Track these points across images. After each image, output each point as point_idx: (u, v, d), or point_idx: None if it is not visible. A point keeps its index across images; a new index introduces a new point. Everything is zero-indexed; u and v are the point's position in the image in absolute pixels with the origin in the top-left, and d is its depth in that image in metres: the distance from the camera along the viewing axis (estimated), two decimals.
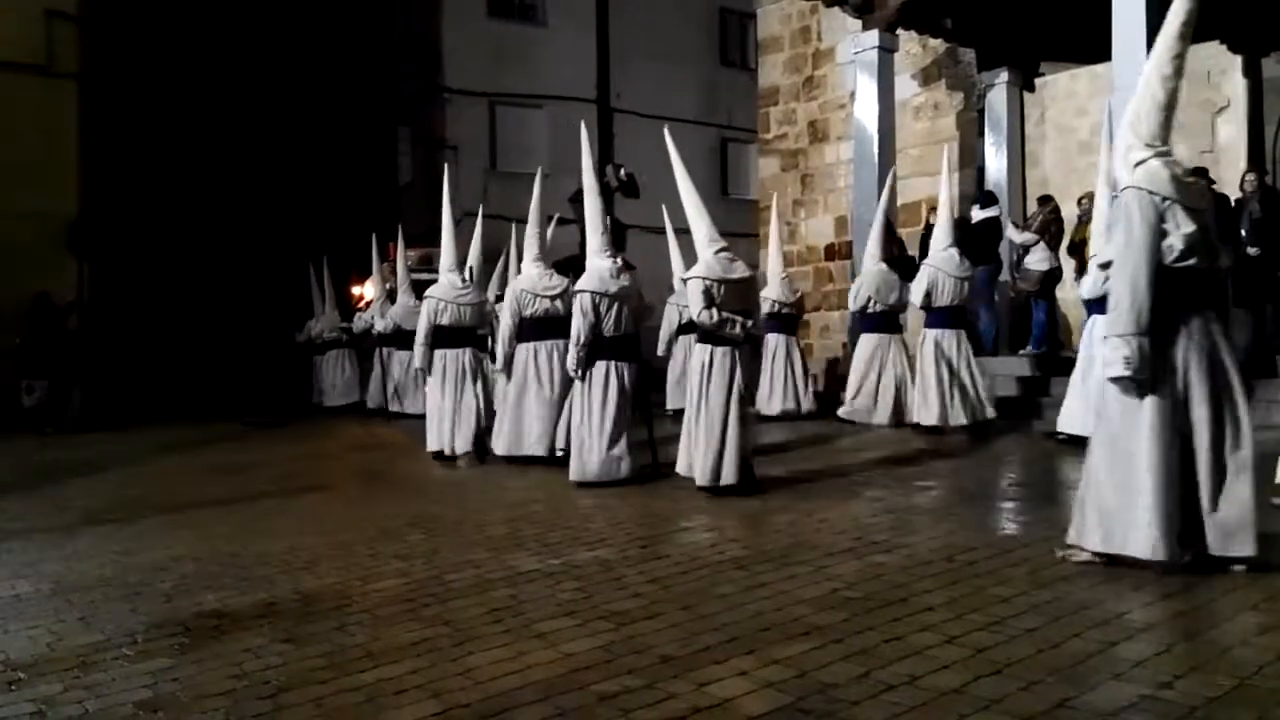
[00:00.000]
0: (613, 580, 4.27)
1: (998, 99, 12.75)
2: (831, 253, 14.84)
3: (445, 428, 8.46)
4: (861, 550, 4.63)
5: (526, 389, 7.76)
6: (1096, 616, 3.53)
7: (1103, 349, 4.11)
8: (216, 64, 19.82)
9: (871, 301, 9.88)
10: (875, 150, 11.64)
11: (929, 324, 8.97)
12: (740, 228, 17.21)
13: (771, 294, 10.82)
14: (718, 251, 6.23)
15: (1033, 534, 4.90)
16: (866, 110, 11.80)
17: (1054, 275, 10.65)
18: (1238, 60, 11.53)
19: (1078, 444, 6.62)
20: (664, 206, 9.90)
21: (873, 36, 11.63)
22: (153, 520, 6.33)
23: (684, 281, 7.27)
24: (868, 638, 3.41)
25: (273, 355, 17.46)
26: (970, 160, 13.18)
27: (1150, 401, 3.90)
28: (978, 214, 11.32)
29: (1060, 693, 2.86)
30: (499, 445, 7.95)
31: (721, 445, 6.06)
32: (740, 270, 6.27)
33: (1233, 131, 11.69)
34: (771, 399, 10.67)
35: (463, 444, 8.42)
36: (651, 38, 20.35)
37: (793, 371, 10.79)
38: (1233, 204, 9.78)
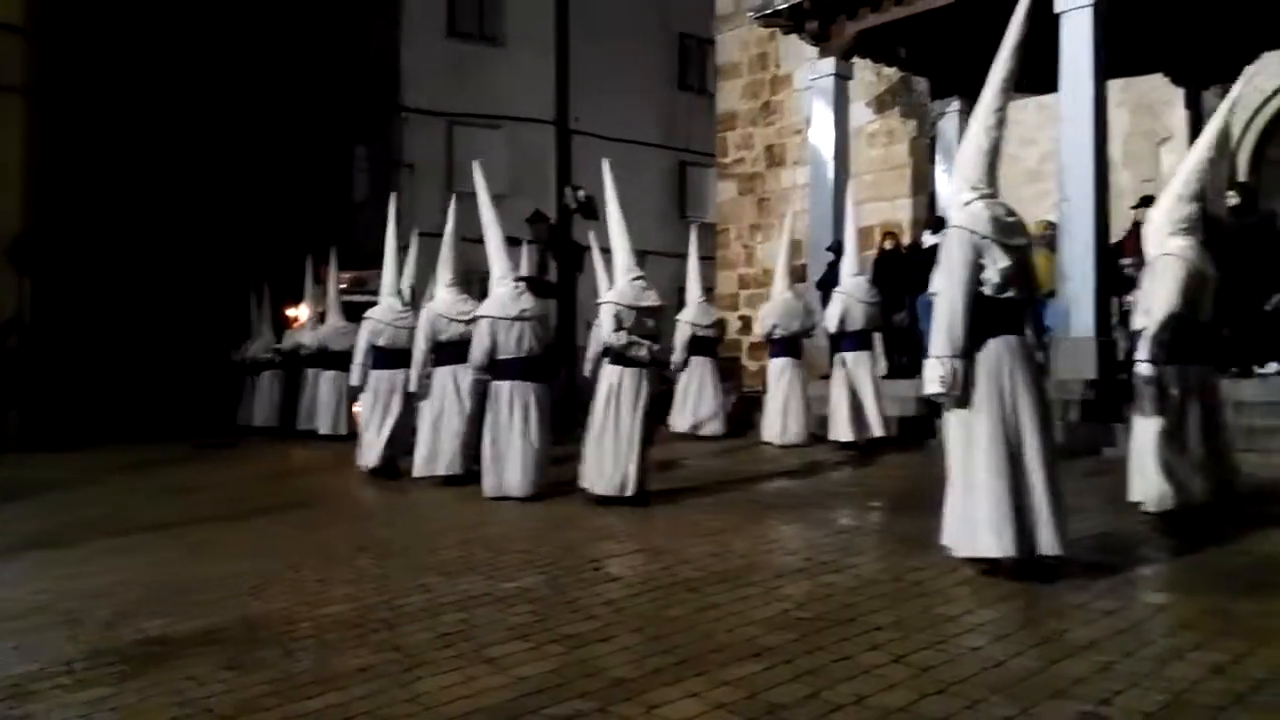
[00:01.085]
0: (566, 603, 4.26)
1: (949, 127, 12.96)
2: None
3: (377, 446, 8.65)
4: (812, 570, 4.66)
5: (444, 411, 7.97)
6: (1038, 634, 3.60)
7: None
8: (168, 80, 19.55)
9: (775, 328, 10.26)
10: (830, 175, 11.80)
11: (842, 348, 9.33)
12: (699, 250, 17.34)
13: (688, 317, 11.10)
14: (634, 279, 6.74)
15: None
16: (822, 136, 11.95)
17: None
18: (1180, 93, 11.87)
19: None
20: (591, 233, 10.08)
21: (829, 64, 11.80)
22: (94, 545, 6.21)
23: (598, 305, 7.63)
24: (817, 658, 3.44)
25: (213, 375, 17.23)
26: (923, 187, 13.39)
27: (984, 417, 4.31)
28: (929, 239, 11.48)
29: (1002, 711, 2.91)
30: (416, 467, 8.13)
31: (628, 460, 6.47)
32: (652, 298, 6.73)
33: (1175, 161, 11.99)
34: (684, 417, 10.88)
35: (373, 459, 8.61)
36: (611, 61, 20.49)
37: (707, 393, 10.92)
38: None
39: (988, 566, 4.35)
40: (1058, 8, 9.32)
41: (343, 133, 21.30)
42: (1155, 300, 5.29)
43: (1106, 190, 9.48)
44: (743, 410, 10.88)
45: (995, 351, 4.34)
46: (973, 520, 4.30)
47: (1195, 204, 5.43)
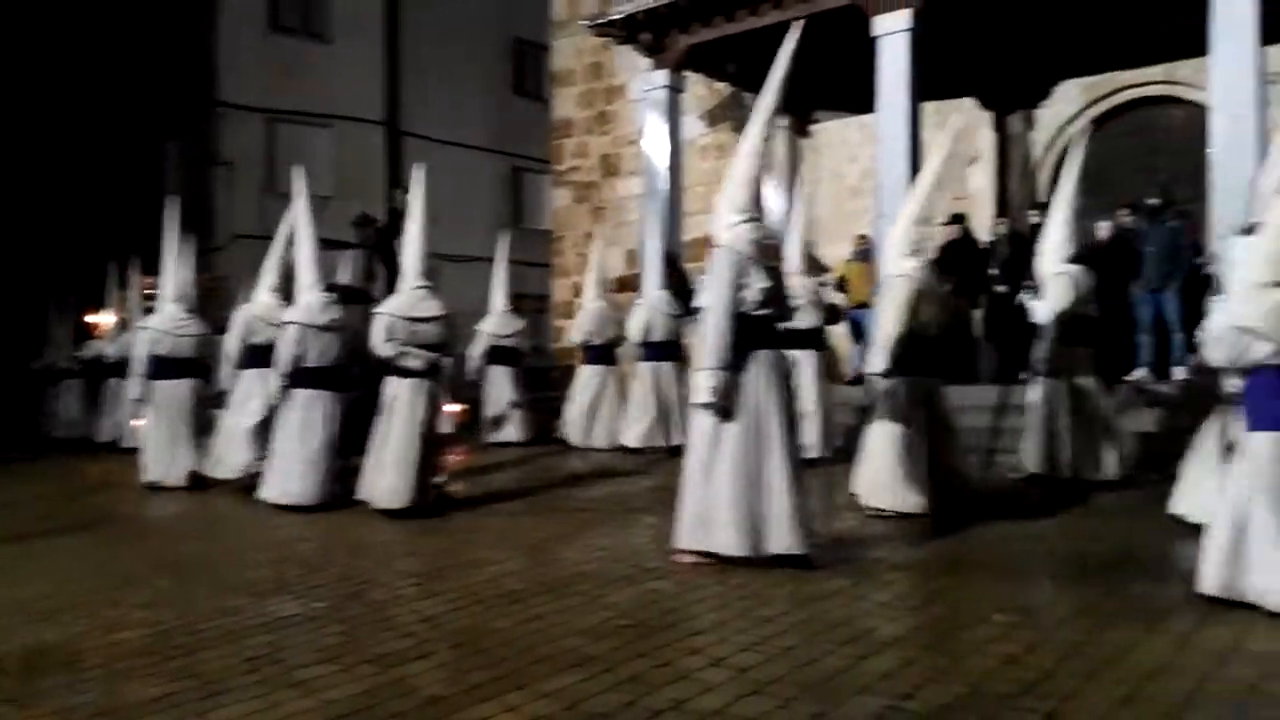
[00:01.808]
0: (381, 621, 4.11)
1: (777, 143, 13.38)
2: (622, 285, 15.08)
3: (161, 458, 8.33)
4: (637, 577, 4.67)
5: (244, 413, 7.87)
6: (848, 633, 3.71)
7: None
8: None
9: (587, 337, 10.49)
10: (662, 186, 11.96)
11: (645, 356, 9.63)
12: (533, 257, 17.25)
13: (489, 327, 11.16)
14: (415, 288, 6.75)
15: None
16: (655, 147, 12.11)
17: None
18: (988, 116, 12.67)
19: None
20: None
21: (662, 76, 11.97)
22: None
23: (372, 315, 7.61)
24: (638, 665, 3.44)
25: (10, 385, 15.93)
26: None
27: (733, 424, 4.59)
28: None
29: (812, 708, 2.98)
30: (216, 470, 8.04)
31: (406, 470, 6.43)
32: (431, 309, 6.73)
33: (983, 180, 12.81)
34: (489, 426, 10.89)
35: (178, 475, 8.30)
36: (444, 62, 20.06)
37: (507, 402, 10.96)
38: (981, 246, 10.68)
39: (717, 562, 4.63)
40: (875, 31, 9.78)
41: (153, 128, 20.05)
42: (885, 317, 5.67)
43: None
44: (550, 417, 10.87)
45: (752, 365, 4.63)
46: (711, 518, 4.58)
47: (924, 226, 5.95)
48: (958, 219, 11.03)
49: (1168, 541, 5.14)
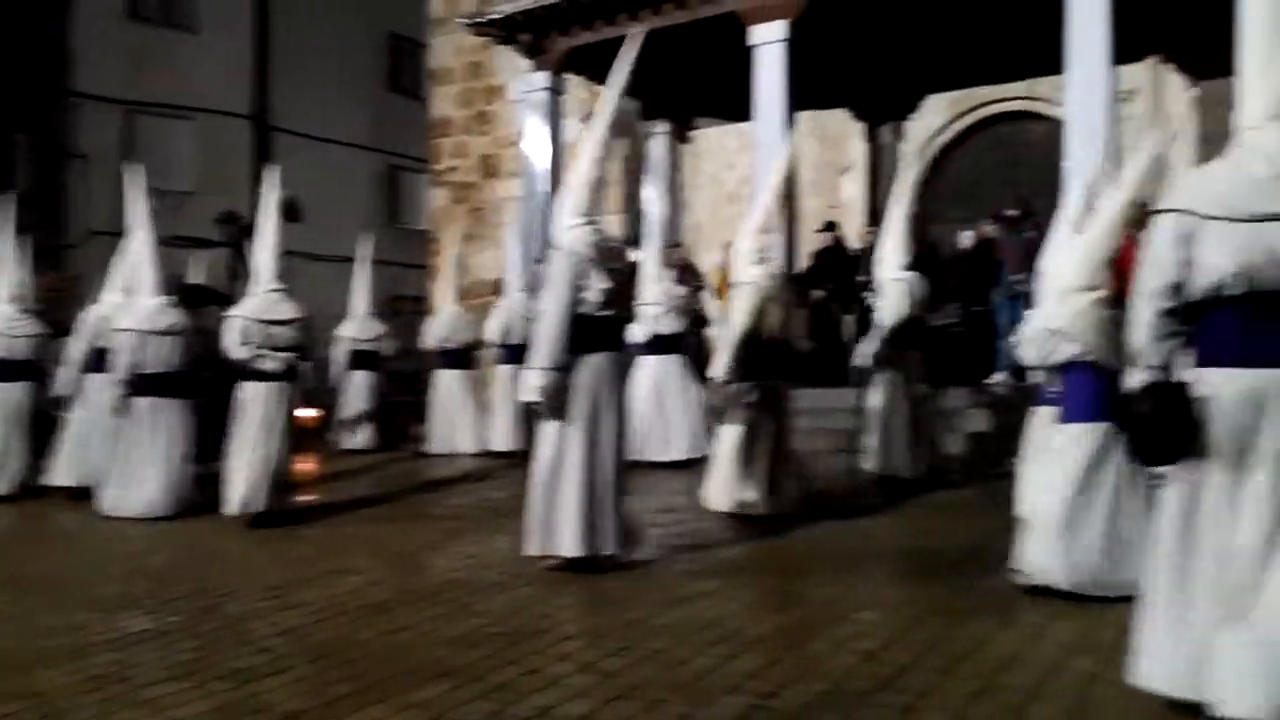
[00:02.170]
0: (237, 635, 3.93)
1: (658, 148, 13.47)
2: (500, 287, 14.92)
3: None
4: (509, 584, 4.61)
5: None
6: (717, 633, 3.74)
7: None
8: None
9: (444, 340, 10.38)
10: (542, 189, 11.89)
11: (505, 359, 9.63)
12: (411, 258, 16.94)
13: (349, 331, 10.97)
14: (269, 290, 6.61)
15: (663, 558, 5.13)
16: (535, 149, 12.03)
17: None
18: (860, 127, 13.06)
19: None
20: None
21: (542, 78, 11.89)
22: None
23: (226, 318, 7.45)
24: (507, 673, 3.38)
25: None
26: (633, 204, 13.81)
27: (573, 426, 4.68)
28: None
29: (680, 710, 2.99)
30: (55, 478, 7.74)
31: (263, 476, 6.29)
32: (287, 311, 6.59)
33: (855, 189, 13.20)
34: (345, 432, 10.69)
35: (10, 483, 7.91)
36: (317, 56, 19.45)
37: (369, 406, 10.81)
38: (852, 254, 10.99)
39: (561, 564, 4.68)
40: (752, 40, 9.95)
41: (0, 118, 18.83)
42: (732, 322, 5.84)
43: (795, 213, 10.21)
44: (415, 421, 10.70)
45: (591, 366, 4.70)
46: (555, 521, 4.65)
47: (769, 236, 6.15)
48: (830, 226, 11.34)
49: (1010, 538, 5.33)
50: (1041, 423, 4.89)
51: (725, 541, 5.55)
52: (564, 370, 4.65)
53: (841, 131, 13.31)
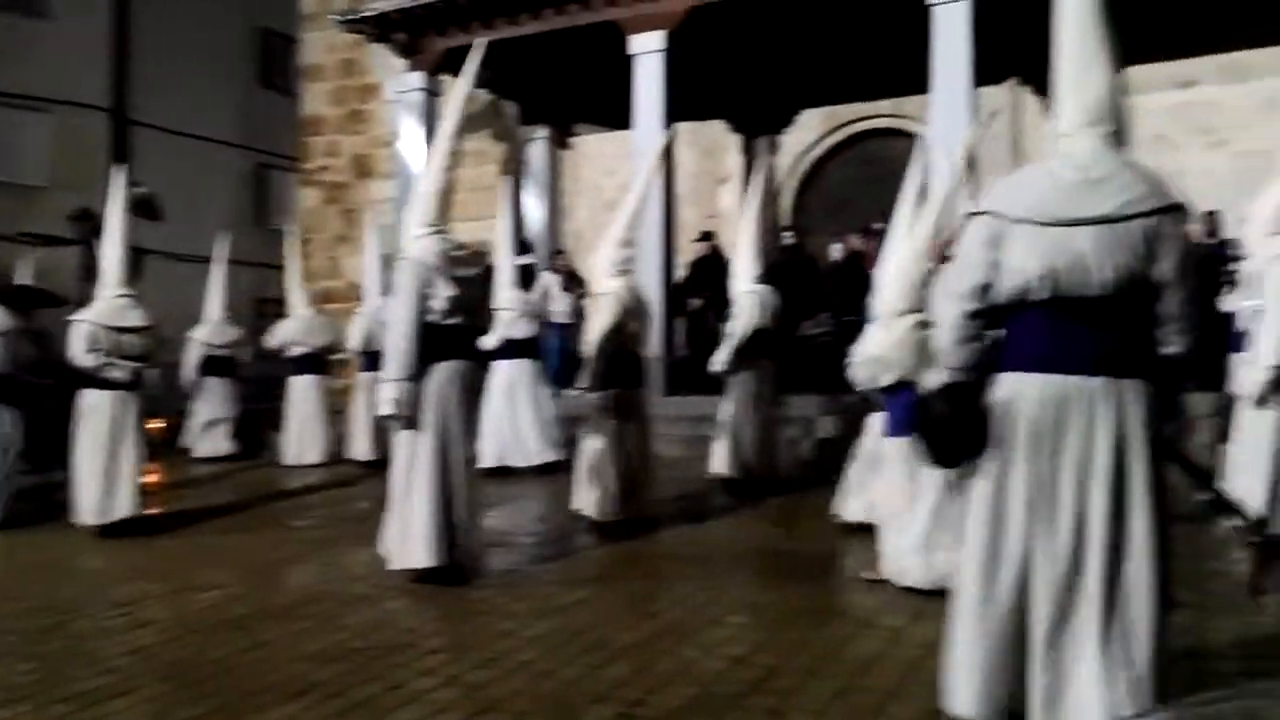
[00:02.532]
0: (82, 655, 3.71)
1: (537, 153, 13.42)
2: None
3: None
4: (375, 597, 4.49)
5: None
6: (586, 643, 3.73)
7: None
8: None
9: (294, 345, 10.04)
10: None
11: (365, 367, 9.35)
12: (278, 259, 16.35)
13: (202, 336, 10.58)
14: (118, 296, 6.38)
15: (530, 567, 5.12)
16: (410, 151, 11.80)
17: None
18: (737, 139, 13.29)
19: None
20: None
21: (418, 78, 11.68)
22: None
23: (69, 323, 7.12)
24: (369, 688, 3.29)
25: None
26: (515, 210, 13.68)
27: (425, 436, 4.62)
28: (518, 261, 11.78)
29: None
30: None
31: (110, 485, 6.10)
32: (136, 319, 6.37)
33: (732, 200, 13.41)
34: (197, 440, 10.33)
35: None
36: (182, 48, 18.52)
37: (220, 413, 10.46)
38: (728, 263, 11.14)
39: (419, 575, 4.60)
40: (631, 50, 10.01)
41: None
42: (592, 333, 5.91)
43: (673, 223, 10.32)
44: (271, 429, 10.36)
45: (440, 376, 4.66)
46: (409, 534, 4.59)
47: (630, 249, 6.19)
48: (707, 236, 11.49)
49: (855, 540, 5.46)
50: (873, 432, 5.13)
51: (590, 548, 5.57)
52: (415, 380, 4.61)
53: (719, 143, 13.52)
